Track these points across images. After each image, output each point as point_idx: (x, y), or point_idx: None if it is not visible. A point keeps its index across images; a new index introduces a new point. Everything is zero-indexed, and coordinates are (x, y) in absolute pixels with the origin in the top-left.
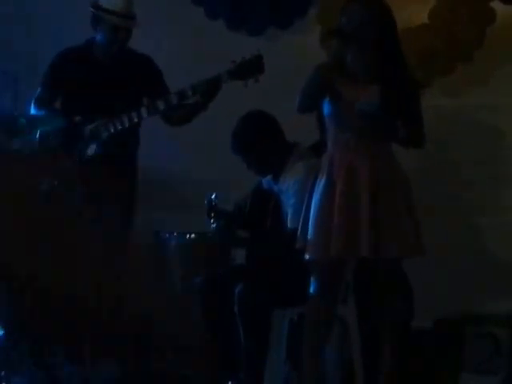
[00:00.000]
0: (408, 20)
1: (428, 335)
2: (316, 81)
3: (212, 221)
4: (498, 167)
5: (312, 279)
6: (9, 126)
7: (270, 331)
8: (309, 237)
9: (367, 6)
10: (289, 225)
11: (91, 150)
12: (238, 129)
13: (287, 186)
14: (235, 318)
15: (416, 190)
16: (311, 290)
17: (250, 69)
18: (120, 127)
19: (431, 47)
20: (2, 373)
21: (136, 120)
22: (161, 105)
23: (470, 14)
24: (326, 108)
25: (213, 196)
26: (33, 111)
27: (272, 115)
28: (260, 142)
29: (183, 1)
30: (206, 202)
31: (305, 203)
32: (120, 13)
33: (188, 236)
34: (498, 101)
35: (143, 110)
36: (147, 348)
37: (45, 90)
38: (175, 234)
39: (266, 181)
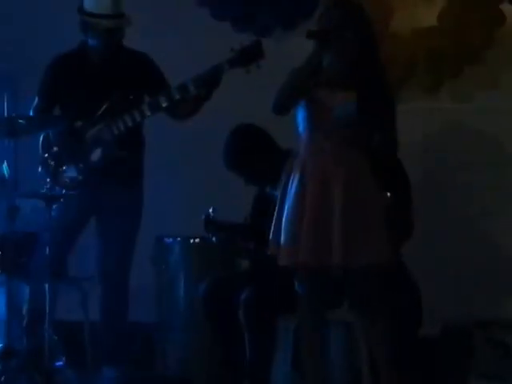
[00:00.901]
0: (417, 22)
1: (435, 342)
2: (294, 83)
3: (211, 234)
4: (508, 170)
5: (296, 283)
6: (8, 127)
7: (276, 337)
8: (281, 242)
9: (347, 9)
10: None
11: (96, 155)
12: (230, 145)
13: None
14: (239, 324)
15: (422, 194)
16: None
17: (250, 55)
18: (123, 128)
19: (439, 49)
20: (2, 378)
21: (139, 119)
22: (163, 101)
23: (479, 15)
24: (301, 111)
25: (210, 210)
26: None
27: (259, 127)
28: (254, 156)
29: (188, 1)
30: (203, 216)
31: (276, 209)
32: (110, 14)
33: (192, 241)
34: (508, 103)
35: (145, 108)
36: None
37: (42, 99)
38: (178, 239)
39: (267, 188)
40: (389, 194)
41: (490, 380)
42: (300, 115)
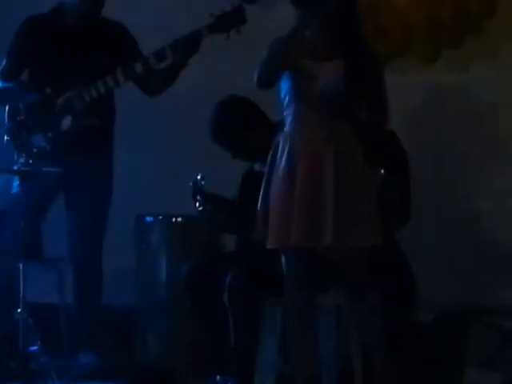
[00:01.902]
0: None
1: (430, 327)
2: (276, 54)
3: (198, 204)
4: (507, 142)
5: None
6: None
7: (261, 322)
8: (269, 224)
9: None
10: None
11: (66, 124)
12: (216, 117)
13: None
14: (224, 308)
15: (418, 170)
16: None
17: (230, 20)
18: (96, 95)
19: (438, 17)
20: None
21: (112, 86)
22: (138, 67)
23: None
24: (286, 83)
25: (198, 176)
26: None
27: (248, 98)
28: (242, 130)
29: None
30: (191, 183)
31: (262, 190)
32: None
33: (174, 220)
34: (509, 75)
35: (119, 74)
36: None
37: (11, 61)
38: (160, 217)
39: (257, 164)
40: (383, 171)
41: (485, 368)
42: (285, 86)
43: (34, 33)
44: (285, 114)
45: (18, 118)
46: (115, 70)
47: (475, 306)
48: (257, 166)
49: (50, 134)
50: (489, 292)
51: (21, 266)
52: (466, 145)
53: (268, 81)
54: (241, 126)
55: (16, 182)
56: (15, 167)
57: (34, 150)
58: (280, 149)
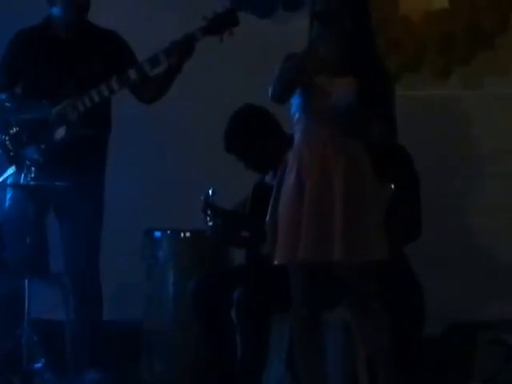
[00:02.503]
0: (427, 4)
1: (437, 342)
2: (290, 70)
3: (208, 219)
4: None
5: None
6: None
7: (270, 338)
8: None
9: None
10: None
11: (59, 134)
12: (232, 128)
13: None
14: (232, 323)
15: (427, 188)
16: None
17: (223, 22)
18: (90, 105)
19: (451, 33)
20: None
21: (106, 94)
22: (132, 74)
23: None
24: (296, 99)
25: (210, 191)
26: None
27: (265, 108)
28: (257, 139)
29: None
30: (202, 197)
31: (271, 202)
32: None
33: (182, 235)
34: None
35: (114, 82)
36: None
37: (3, 76)
38: (168, 232)
39: (269, 175)
40: (393, 186)
41: (492, 382)
42: (295, 102)
43: (25, 45)
44: (294, 129)
45: (11, 131)
46: (110, 78)
47: (482, 322)
48: (267, 178)
49: (42, 146)
50: (495, 308)
51: (26, 281)
52: (471, 159)
53: (282, 97)
54: (253, 134)
55: (9, 195)
56: (25, 182)
57: (27, 163)
58: (289, 164)
